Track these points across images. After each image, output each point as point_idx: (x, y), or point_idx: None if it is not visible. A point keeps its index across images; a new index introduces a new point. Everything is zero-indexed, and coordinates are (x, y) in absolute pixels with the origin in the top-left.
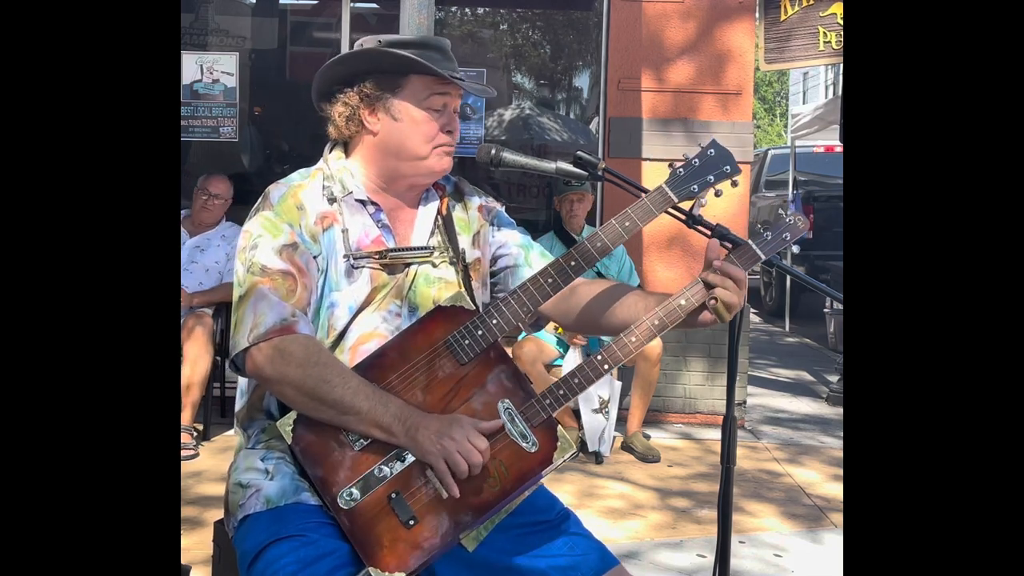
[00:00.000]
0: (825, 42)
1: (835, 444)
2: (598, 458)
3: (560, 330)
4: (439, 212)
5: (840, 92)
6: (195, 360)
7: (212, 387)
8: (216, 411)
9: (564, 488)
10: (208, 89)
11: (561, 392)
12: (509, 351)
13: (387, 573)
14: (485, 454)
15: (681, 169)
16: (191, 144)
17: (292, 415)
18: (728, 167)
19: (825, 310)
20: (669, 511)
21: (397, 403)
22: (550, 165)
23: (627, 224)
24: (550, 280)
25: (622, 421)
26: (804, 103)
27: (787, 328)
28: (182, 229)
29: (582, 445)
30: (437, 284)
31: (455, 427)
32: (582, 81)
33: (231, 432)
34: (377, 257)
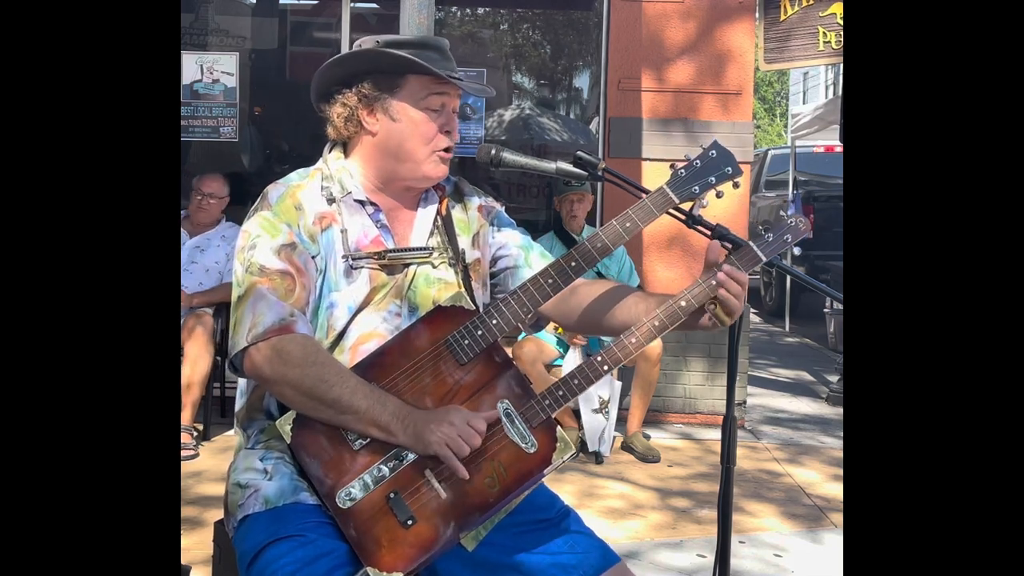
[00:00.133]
0: (825, 42)
1: (835, 444)
2: (598, 458)
3: (560, 330)
4: (439, 212)
5: (840, 92)
6: (195, 360)
7: (212, 387)
8: (216, 411)
9: (564, 488)
10: (208, 89)
11: (560, 393)
12: (509, 351)
13: (385, 573)
14: (483, 434)
15: (682, 170)
16: (191, 144)
17: (291, 414)
18: (729, 168)
19: (825, 310)
20: (669, 511)
21: (395, 402)
22: (550, 165)
23: (628, 225)
24: (550, 281)
25: (622, 421)
26: (804, 103)
27: (787, 328)
28: (182, 230)
29: (582, 445)
30: (437, 284)
31: (453, 413)
32: (582, 81)
33: (231, 432)
34: (376, 258)
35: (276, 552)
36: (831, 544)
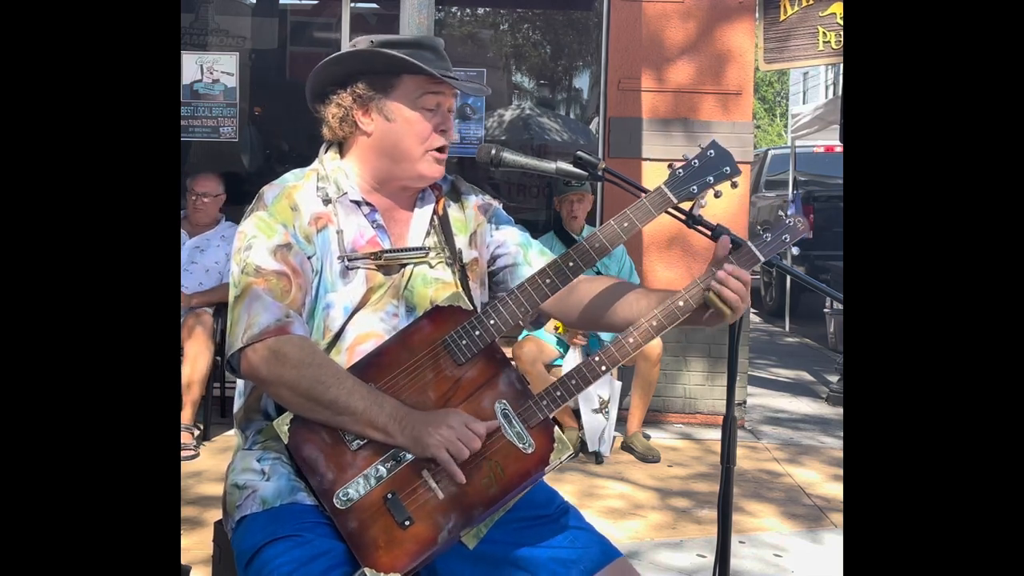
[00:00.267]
0: (824, 42)
1: (835, 444)
2: (598, 458)
3: (560, 330)
4: (435, 212)
5: (840, 92)
6: (195, 359)
7: (212, 387)
8: (216, 411)
9: (564, 488)
10: (208, 89)
11: (558, 393)
12: (509, 351)
13: (382, 574)
14: (482, 438)
15: (680, 170)
16: (191, 144)
17: (288, 415)
18: (728, 168)
19: (825, 310)
20: (669, 511)
21: (392, 403)
22: (550, 165)
23: (626, 225)
24: (548, 281)
25: (622, 421)
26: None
27: (787, 328)
28: (182, 230)
29: (582, 445)
30: (434, 284)
31: (452, 416)
32: (582, 81)
33: (231, 432)
34: (372, 258)
35: (273, 552)
36: (831, 544)
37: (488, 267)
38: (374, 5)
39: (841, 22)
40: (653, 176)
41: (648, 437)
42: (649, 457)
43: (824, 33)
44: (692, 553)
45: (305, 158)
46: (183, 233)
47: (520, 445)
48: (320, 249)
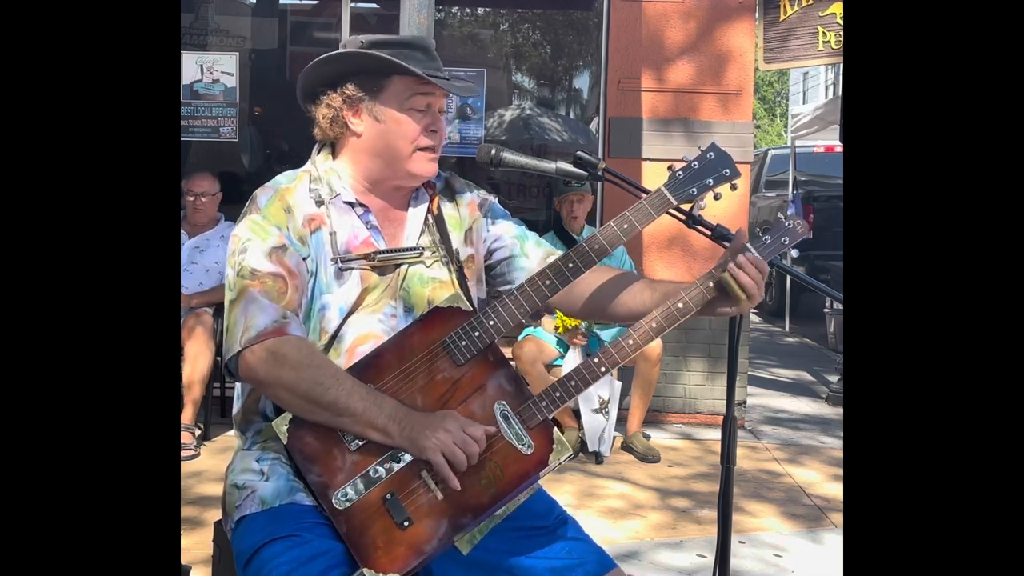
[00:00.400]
0: (824, 42)
1: (835, 444)
2: (598, 458)
3: (560, 330)
4: (430, 211)
5: (840, 92)
6: (195, 359)
7: (212, 387)
8: (216, 411)
9: (564, 488)
10: (208, 89)
11: (558, 394)
12: (508, 351)
13: (381, 574)
14: (481, 443)
15: (680, 172)
16: (191, 144)
17: (287, 415)
18: (727, 170)
19: (825, 310)
20: (669, 511)
21: (391, 403)
22: (550, 165)
23: (625, 226)
24: (548, 282)
25: (622, 421)
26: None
27: (787, 328)
28: (181, 230)
29: (582, 445)
30: (431, 284)
31: (449, 420)
32: (582, 81)
33: (231, 432)
34: (366, 259)
35: (272, 552)
36: (831, 544)
37: (485, 261)
38: (374, 5)
39: (841, 22)
40: (653, 176)
41: (648, 437)
42: (649, 457)
43: (824, 33)
44: (692, 553)
45: (305, 158)
46: (182, 234)
47: (519, 446)
48: (314, 250)
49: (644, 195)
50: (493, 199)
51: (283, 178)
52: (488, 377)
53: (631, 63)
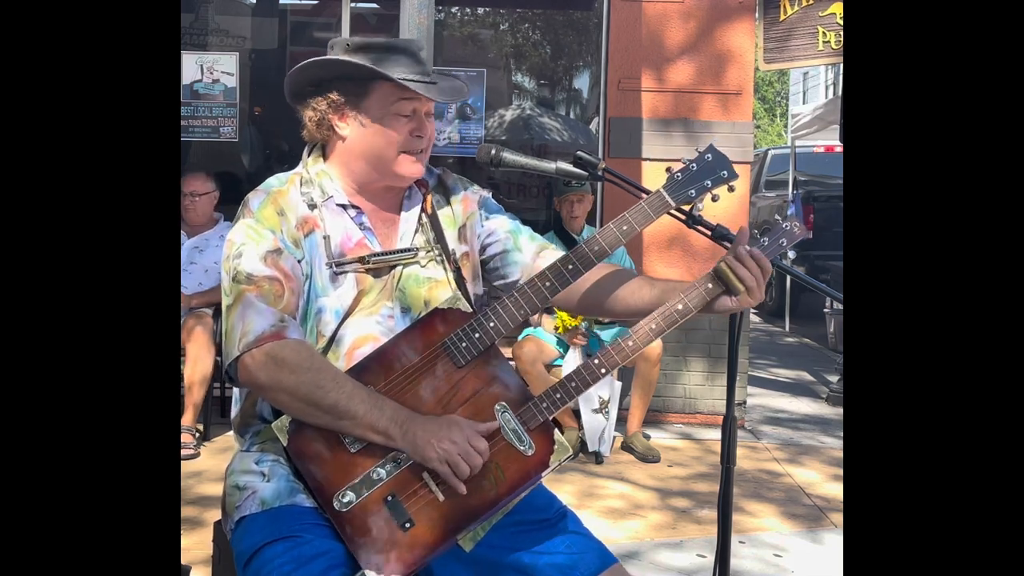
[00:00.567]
0: (824, 42)
1: (835, 444)
2: (598, 458)
3: (560, 330)
4: (423, 210)
5: (840, 92)
6: (196, 360)
7: (213, 387)
8: (216, 411)
9: (564, 488)
10: (208, 89)
11: (558, 396)
12: (508, 351)
13: None
14: (484, 455)
15: (679, 174)
16: (191, 144)
17: (287, 417)
18: (725, 172)
19: (825, 310)
20: (669, 511)
21: (393, 406)
22: (550, 165)
23: (624, 228)
24: (547, 284)
25: (622, 421)
26: (804, 103)
27: (787, 328)
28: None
29: (582, 445)
30: (427, 284)
31: (454, 429)
32: (582, 81)
33: (231, 433)
34: (360, 262)
35: (272, 552)
36: (831, 544)
37: (480, 256)
38: (374, 5)
39: (841, 22)
40: (653, 176)
41: (648, 437)
42: (649, 457)
43: (824, 33)
44: (692, 553)
45: None
46: (182, 234)
47: (520, 447)
48: (308, 253)
49: (644, 195)
50: (486, 194)
51: (275, 181)
52: (488, 379)
53: (631, 63)
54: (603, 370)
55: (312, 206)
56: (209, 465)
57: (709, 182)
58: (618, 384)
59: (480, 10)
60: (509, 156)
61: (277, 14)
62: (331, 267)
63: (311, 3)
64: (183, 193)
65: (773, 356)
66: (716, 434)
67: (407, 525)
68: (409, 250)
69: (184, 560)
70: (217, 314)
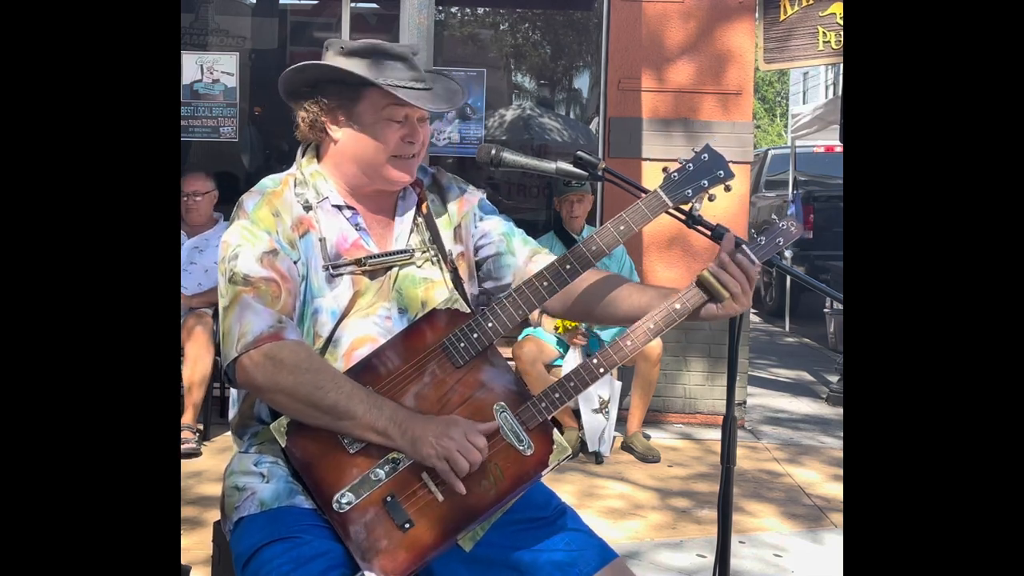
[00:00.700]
0: (824, 42)
1: (835, 444)
2: (598, 458)
3: (560, 330)
4: (419, 210)
5: (840, 92)
6: (195, 360)
7: (212, 387)
8: (216, 411)
9: (564, 488)
10: (208, 89)
11: (557, 395)
12: (508, 351)
13: None
14: (483, 452)
15: (675, 173)
16: (191, 144)
17: (286, 418)
18: (722, 171)
19: (825, 310)
20: (669, 511)
21: (391, 406)
22: (550, 165)
23: (622, 228)
24: (545, 284)
25: (622, 421)
26: (804, 103)
27: (787, 328)
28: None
29: (582, 445)
30: (423, 285)
31: (452, 427)
32: (582, 81)
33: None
34: (356, 264)
35: (271, 553)
36: (831, 544)
37: (473, 257)
38: (374, 5)
39: (841, 22)
40: (653, 176)
41: (648, 437)
42: (649, 457)
43: (824, 33)
44: (692, 553)
45: None
46: (182, 234)
47: (519, 447)
48: (304, 254)
49: (640, 198)
50: (481, 194)
51: (269, 182)
52: (487, 379)
53: (631, 63)
54: (601, 370)
55: (307, 207)
56: (209, 465)
57: (706, 182)
58: (618, 384)
59: (480, 10)
60: (509, 156)
61: (277, 14)
62: (327, 269)
63: (311, 3)
64: (183, 193)
65: (773, 356)
66: (716, 434)
67: (406, 526)
68: (405, 251)
69: (184, 560)
70: (217, 314)
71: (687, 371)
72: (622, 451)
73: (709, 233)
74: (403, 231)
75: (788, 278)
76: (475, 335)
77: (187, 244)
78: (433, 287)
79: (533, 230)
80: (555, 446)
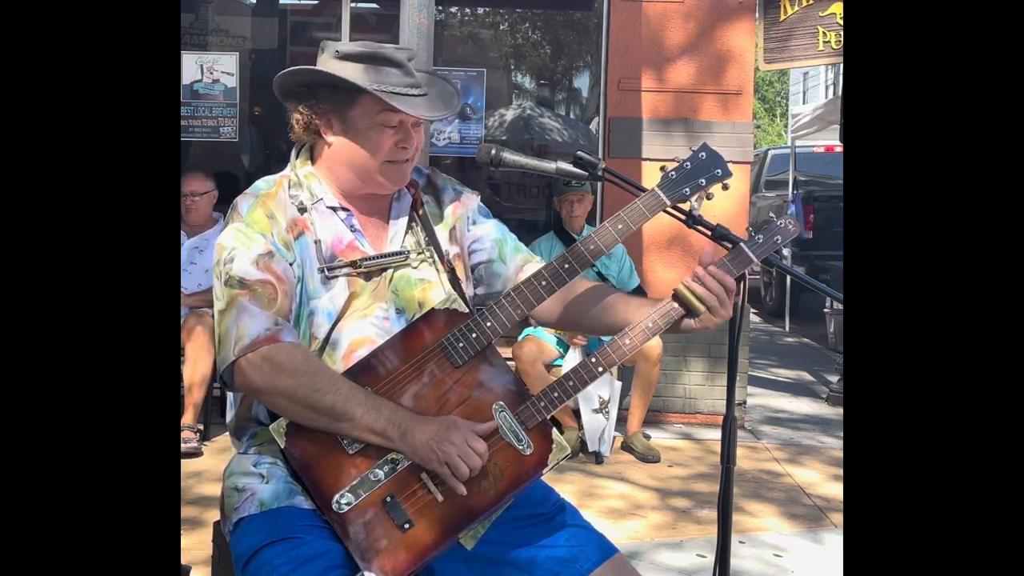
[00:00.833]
0: (825, 42)
1: (835, 444)
2: (598, 458)
3: (560, 330)
4: (414, 210)
5: (840, 92)
6: (196, 360)
7: (213, 387)
8: (216, 411)
9: (564, 488)
10: (208, 89)
11: (556, 394)
12: (508, 351)
13: None
14: (484, 456)
15: (673, 172)
16: (191, 144)
17: (284, 419)
18: (719, 170)
19: (825, 310)
20: (669, 511)
21: (390, 407)
22: (550, 165)
23: (620, 227)
24: (544, 283)
25: (622, 421)
26: (804, 103)
27: (787, 328)
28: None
29: (582, 445)
30: (420, 286)
31: (452, 431)
32: (582, 81)
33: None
34: (352, 267)
35: (271, 553)
36: (831, 544)
37: (468, 260)
38: (374, 5)
39: (841, 22)
40: (653, 176)
41: (648, 437)
42: (649, 457)
43: (824, 33)
44: (692, 553)
45: None
46: (182, 234)
47: (519, 447)
48: (300, 255)
49: (637, 197)
50: (476, 196)
51: (263, 184)
52: (486, 378)
53: (631, 63)
54: (600, 368)
55: (302, 209)
56: (209, 465)
57: (703, 180)
58: (618, 384)
59: (480, 10)
60: (509, 156)
61: (277, 14)
62: (323, 271)
63: (311, 3)
64: (182, 193)
65: (773, 356)
66: (716, 434)
67: (406, 526)
68: (400, 253)
69: (184, 560)
70: None
71: (687, 371)
72: (622, 451)
73: (709, 233)
74: (398, 232)
75: (788, 278)
76: (473, 335)
77: (187, 244)
78: (430, 288)
79: (533, 230)
80: (554, 445)
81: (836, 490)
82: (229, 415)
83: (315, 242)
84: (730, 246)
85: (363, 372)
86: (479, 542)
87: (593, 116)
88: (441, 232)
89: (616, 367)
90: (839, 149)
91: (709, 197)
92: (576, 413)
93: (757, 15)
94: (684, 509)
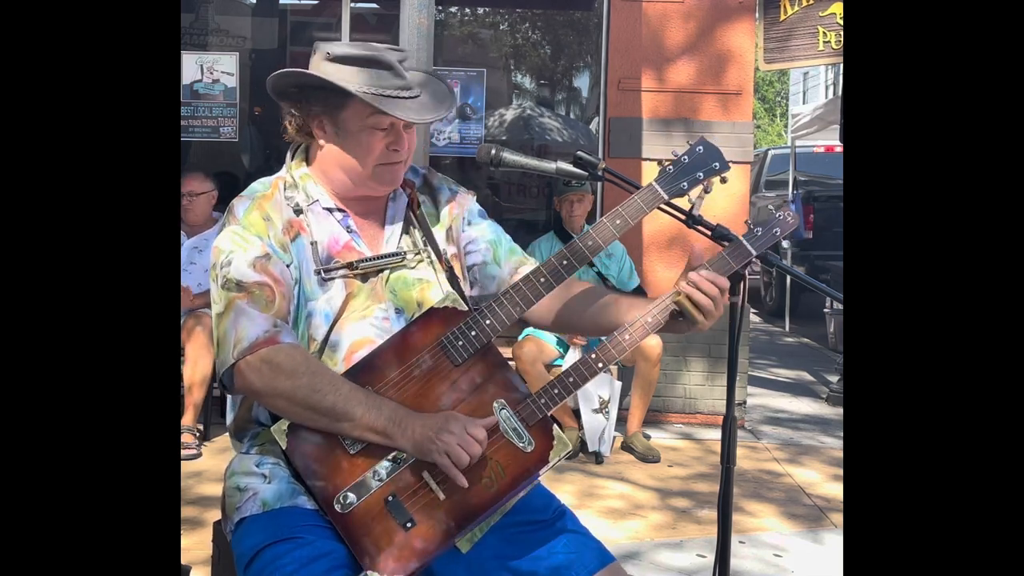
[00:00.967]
0: (825, 42)
1: (835, 444)
2: (598, 458)
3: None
4: (411, 210)
5: (840, 92)
6: (195, 361)
7: (213, 387)
8: (216, 411)
9: (564, 488)
10: (208, 89)
11: (556, 391)
12: (508, 351)
13: None
14: (483, 444)
15: (671, 167)
16: (191, 144)
17: (285, 420)
18: (717, 163)
19: (825, 310)
20: (669, 511)
21: (390, 405)
22: (550, 165)
23: (618, 223)
24: (542, 280)
25: (622, 421)
26: (804, 103)
27: (787, 328)
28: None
29: (582, 445)
30: (417, 286)
31: (451, 422)
32: (582, 81)
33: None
34: (348, 268)
35: (274, 553)
36: (831, 544)
37: (464, 259)
38: (374, 5)
39: (841, 22)
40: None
41: (648, 437)
42: (649, 457)
43: (824, 33)
44: (692, 553)
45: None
46: (182, 234)
47: (520, 444)
48: (296, 257)
49: (635, 192)
50: (472, 197)
51: (258, 186)
52: (486, 376)
53: (631, 63)
54: (600, 364)
55: (298, 211)
56: (209, 465)
57: (701, 174)
58: (618, 384)
59: (480, 10)
60: (509, 156)
61: (277, 14)
62: (319, 273)
63: (311, 3)
64: (181, 193)
65: (773, 356)
66: (716, 434)
67: (408, 525)
68: (396, 254)
69: (184, 560)
70: None
71: (687, 371)
72: (622, 451)
73: (709, 233)
74: (394, 233)
75: (788, 278)
76: (473, 333)
77: (187, 244)
78: (428, 287)
79: (533, 230)
80: (555, 442)
81: (836, 490)
82: (229, 417)
83: (311, 243)
84: (728, 245)
85: (363, 372)
86: (478, 546)
87: (593, 116)
88: (438, 232)
89: (616, 367)
90: (839, 149)
91: (707, 190)
92: (576, 413)
93: (757, 15)
94: (684, 509)
